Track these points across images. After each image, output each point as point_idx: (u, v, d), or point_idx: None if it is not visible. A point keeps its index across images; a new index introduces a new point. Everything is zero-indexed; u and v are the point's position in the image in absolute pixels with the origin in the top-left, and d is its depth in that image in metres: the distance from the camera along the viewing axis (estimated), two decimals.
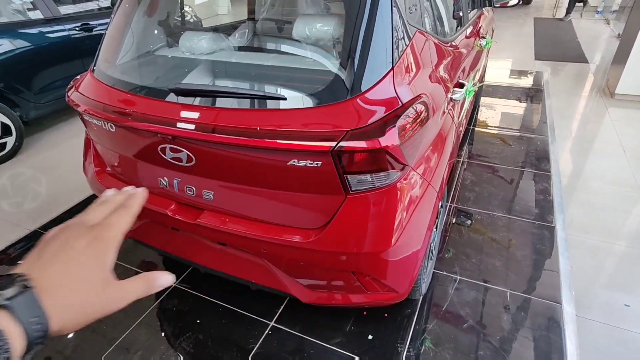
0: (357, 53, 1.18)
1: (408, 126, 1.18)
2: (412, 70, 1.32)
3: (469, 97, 2.04)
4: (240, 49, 1.93)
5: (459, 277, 2.06)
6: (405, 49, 1.30)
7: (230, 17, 8.86)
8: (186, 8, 5.08)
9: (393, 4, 1.24)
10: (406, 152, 1.20)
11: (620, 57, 4.23)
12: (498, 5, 2.97)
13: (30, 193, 3.03)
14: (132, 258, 2.26)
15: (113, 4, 4.04)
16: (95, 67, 1.62)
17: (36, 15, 3.69)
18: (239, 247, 1.46)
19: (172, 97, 1.33)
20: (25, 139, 3.60)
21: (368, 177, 1.20)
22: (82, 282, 0.37)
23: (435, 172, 1.47)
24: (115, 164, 1.66)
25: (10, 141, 3.42)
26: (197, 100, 1.31)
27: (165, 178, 1.47)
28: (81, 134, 1.87)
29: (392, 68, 1.22)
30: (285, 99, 1.19)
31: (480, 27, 2.76)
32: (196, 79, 1.51)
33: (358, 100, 1.16)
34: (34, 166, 3.40)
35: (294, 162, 1.17)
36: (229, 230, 1.38)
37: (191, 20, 5.01)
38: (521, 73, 5.24)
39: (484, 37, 2.74)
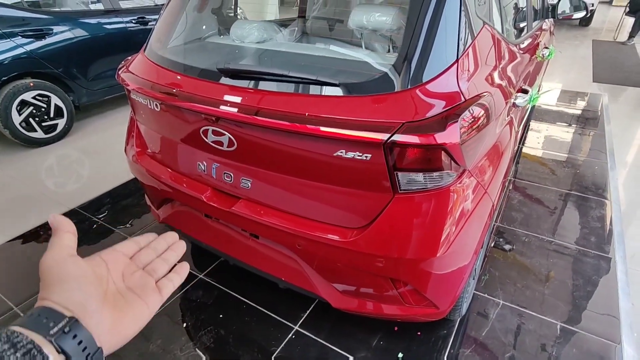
0: (420, 40, 1.08)
1: (469, 124, 1.07)
2: (476, 66, 1.21)
3: (533, 103, 1.89)
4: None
5: (501, 302, 1.88)
6: (472, 42, 1.19)
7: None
8: (238, 11, 5.18)
9: None
10: (465, 153, 1.09)
11: None
12: (561, 17, 2.78)
13: (73, 174, 3.13)
14: None
15: None
16: (146, 47, 1.63)
17: (97, 6, 3.86)
18: (273, 241, 1.38)
19: (219, 79, 1.29)
20: (75, 123, 3.75)
21: (420, 176, 1.09)
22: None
23: (493, 180, 1.34)
24: (156, 145, 1.64)
25: (61, 123, 3.57)
26: (243, 83, 1.26)
27: (204, 162, 1.43)
28: (125, 123, 1.88)
29: (457, 60, 1.11)
30: (337, 85, 1.11)
31: (540, 40, 2.59)
32: (245, 63, 1.47)
33: (417, 91, 1.06)
34: (79, 149, 3.52)
35: (341, 153, 1.08)
36: (263, 221, 1.31)
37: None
38: (578, 95, 4.93)
39: (546, 47, 2.57)
